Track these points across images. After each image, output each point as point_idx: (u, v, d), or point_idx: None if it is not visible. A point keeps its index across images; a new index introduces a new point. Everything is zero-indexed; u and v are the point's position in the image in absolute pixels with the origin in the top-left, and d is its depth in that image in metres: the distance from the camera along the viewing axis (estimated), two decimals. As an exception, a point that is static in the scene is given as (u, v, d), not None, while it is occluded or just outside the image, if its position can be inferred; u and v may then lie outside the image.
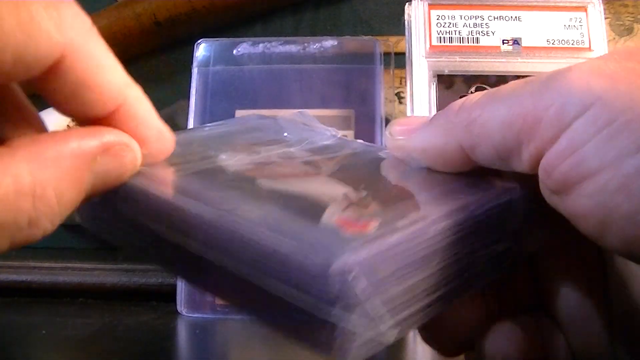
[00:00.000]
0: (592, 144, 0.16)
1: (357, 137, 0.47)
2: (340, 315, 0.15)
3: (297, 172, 0.23)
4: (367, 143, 0.27)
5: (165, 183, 0.21)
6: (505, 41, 0.43)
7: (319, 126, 0.28)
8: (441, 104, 0.42)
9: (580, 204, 0.17)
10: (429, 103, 0.42)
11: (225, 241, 0.17)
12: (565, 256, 0.19)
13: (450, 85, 0.43)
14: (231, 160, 0.23)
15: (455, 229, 0.19)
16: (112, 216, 0.22)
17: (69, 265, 0.48)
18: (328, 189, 0.21)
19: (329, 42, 0.46)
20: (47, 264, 0.48)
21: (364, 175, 0.23)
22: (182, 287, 0.45)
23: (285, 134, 0.27)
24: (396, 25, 0.46)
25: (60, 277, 0.47)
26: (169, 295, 0.45)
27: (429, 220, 0.18)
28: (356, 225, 0.17)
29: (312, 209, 0.18)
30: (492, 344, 0.22)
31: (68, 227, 0.56)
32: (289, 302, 0.16)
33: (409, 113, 0.43)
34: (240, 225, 0.17)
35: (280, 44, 0.47)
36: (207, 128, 0.29)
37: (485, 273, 0.21)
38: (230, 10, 0.58)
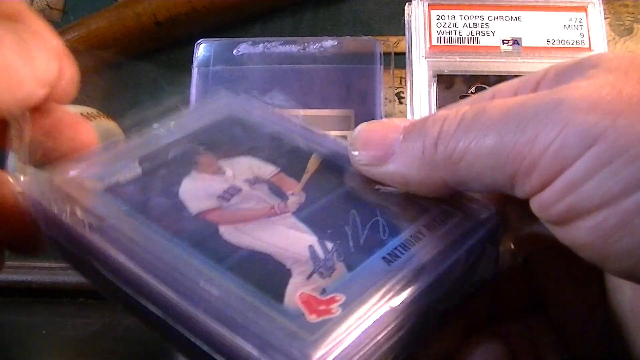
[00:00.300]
0: (593, 182, 0.16)
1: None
2: None
3: (262, 208, 0.21)
4: (336, 141, 0.25)
5: (115, 230, 0.20)
6: (505, 41, 0.43)
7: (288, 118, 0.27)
8: (441, 104, 0.42)
9: (579, 237, 0.17)
10: (429, 103, 0.42)
11: (185, 319, 0.18)
12: (563, 256, 0.19)
13: (450, 85, 0.43)
14: (192, 187, 0.22)
15: (431, 288, 0.18)
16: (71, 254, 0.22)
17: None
18: (293, 241, 0.20)
19: (329, 42, 0.46)
20: (47, 264, 0.48)
21: (331, 206, 0.22)
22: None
23: (256, 130, 0.26)
24: (396, 25, 0.46)
25: (60, 277, 0.47)
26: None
27: (398, 304, 0.18)
28: (320, 304, 0.17)
29: (275, 279, 0.18)
30: None
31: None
32: None
33: (408, 113, 0.43)
34: (201, 314, 0.17)
35: (280, 44, 0.47)
36: (171, 124, 0.26)
37: (451, 306, 0.21)
38: (230, 10, 0.58)
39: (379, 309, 0.17)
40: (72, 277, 0.47)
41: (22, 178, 0.21)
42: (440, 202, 0.21)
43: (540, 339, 0.23)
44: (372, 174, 0.21)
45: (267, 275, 0.18)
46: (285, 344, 0.16)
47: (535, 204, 0.18)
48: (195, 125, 0.25)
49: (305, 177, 0.23)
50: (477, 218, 0.21)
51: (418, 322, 0.19)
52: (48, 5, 0.62)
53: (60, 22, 0.62)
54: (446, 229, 0.20)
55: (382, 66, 0.46)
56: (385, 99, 0.46)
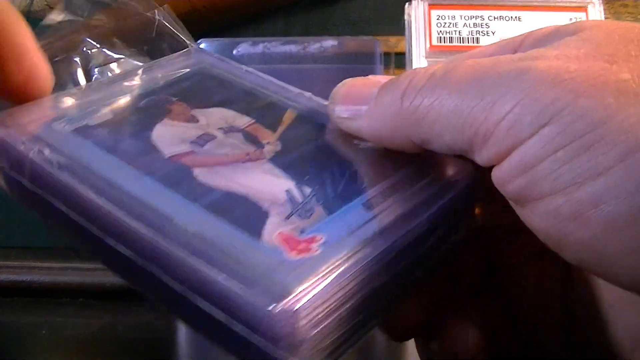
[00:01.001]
0: (546, 165, 0.15)
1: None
2: (284, 354, 0.15)
3: (237, 154, 0.21)
4: (313, 99, 0.25)
5: (79, 156, 0.20)
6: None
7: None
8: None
9: (535, 220, 0.16)
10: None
11: (158, 257, 0.17)
12: (523, 235, 0.18)
13: (450, 85, 0.43)
14: (165, 132, 0.22)
15: (408, 239, 0.18)
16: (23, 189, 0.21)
17: (69, 265, 0.48)
18: (270, 184, 0.20)
19: (329, 42, 0.46)
20: (47, 264, 0.47)
21: (309, 156, 0.21)
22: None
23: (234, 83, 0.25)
24: (396, 25, 0.46)
25: (60, 277, 0.47)
26: (169, 295, 0.45)
27: (378, 245, 0.17)
28: (299, 243, 0.17)
29: (252, 218, 0.18)
30: (447, 344, 0.22)
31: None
32: (226, 326, 0.16)
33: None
34: (176, 249, 0.17)
35: (281, 44, 0.47)
36: (148, 69, 0.26)
37: (427, 270, 0.20)
38: (230, 10, 0.58)
39: (359, 252, 0.17)
40: (72, 277, 0.47)
41: None
42: (418, 159, 0.20)
43: (494, 319, 0.22)
44: (348, 128, 0.21)
45: (243, 214, 0.18)
46: (264, 278, 0.15)
47: (494, 177, 0.17)
48: (166, 77, 0.25)
49: (281, 128, 0.23)
50: (453, 177, 0.20)
51: (394, 276, 0.18)
52: (48, 5, 0.62)
53: (60, 22, 0.62)
54: (422, 184, 0.20)
55: (382, 66, 0.46)
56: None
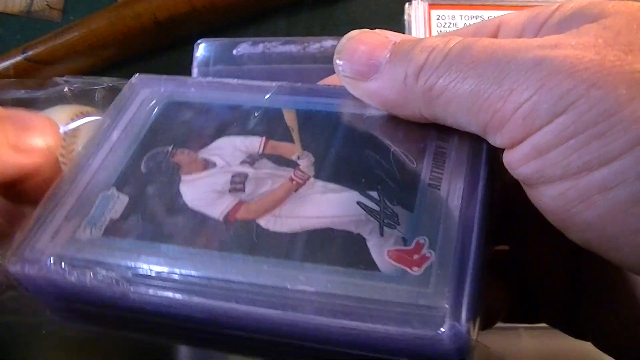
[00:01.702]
0: (558, 152, 0.15)
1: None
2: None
3: (284, 183, 0.20)
4: (290, 86, 0.24)
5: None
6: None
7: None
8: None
9: (543, 202, 0.17)
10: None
11: (293, 332, 0.16)
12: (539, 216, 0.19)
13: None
14: (195, 192, 0.19)
15: (485, 198, 0.18)
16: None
17: (69, 265, 0.48)
18: (339, 204, 0.18)
19: (329, 42, 0.46)
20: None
21: (345, 156, 0.20)
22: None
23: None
24: (396, 25, 0.46)
25: (60, 277, 0.47)
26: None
27: (471, 218, 0.17)
28: (412, 255, 0.16)
29: (354, 250, 0.17)
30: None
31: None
32: None
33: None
34: (310, 321, 0.15)
35: (281, 44, 0.47)
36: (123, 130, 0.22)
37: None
38: (230, 10, 0.58)
39: (461, 235, 0.17)
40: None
41: (8, 260, 0.19)
42: (437, 126, 0.20)
43: (510, 284, 0.23)
44: (353, 88, 0.21)
45: (343, 249, 0.17)
46: (412, 308, 0.15)
47: (505, 159, 0.17)
48: (139, 124, 0.22)
49: (296, 135, 0.21)
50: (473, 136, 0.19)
51: (485, 237, 0.18)
52: (48, 5, 0.62)
53: (60, 22, 0.62)
54: (455, 147, 0.19)
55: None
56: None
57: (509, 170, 0.17)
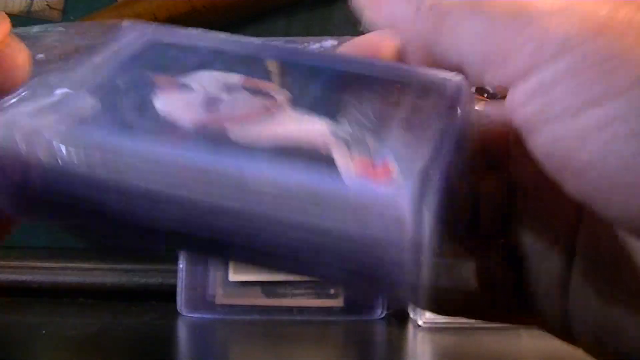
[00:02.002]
0: (560, 89, 0.16)
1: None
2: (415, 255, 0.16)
3: (258, 107, 0.20)
4: (279, 45, 0.24)
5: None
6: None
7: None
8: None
9: (543, 145, 0.17)
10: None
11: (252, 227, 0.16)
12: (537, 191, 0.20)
13: (451, 85, 0.43)
14: (168, 105, 0.20)
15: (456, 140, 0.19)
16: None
17: (69, 265, 0.48)
18: (311, 127, 0.19)
19: (329, 42, 0.46)
20: (47, 264, 0.48)
21: (323, 96, 0.21)
22: (182, 287, 0.45)
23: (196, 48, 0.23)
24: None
25: (60, 277, 0.47)
26: (169, 295, 0.45)
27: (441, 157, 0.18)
28: (377, 169, 0.17)
29: (319, 163, 0.17)
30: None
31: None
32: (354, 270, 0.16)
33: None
34: (266, 215, 0.16)
35: (280, 44, 0.47)
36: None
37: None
38: (231, 10, 0.58)
39: (431, 161, 0.17)
40: (72, 277, 0.47)
41: None
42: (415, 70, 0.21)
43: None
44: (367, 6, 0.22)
45: (309, 161, 0.17)
46: (371, 207, 0.16)
47: (508, 100, 0.18)
48: (119, 56, 0.22)
49: (276, 78, 0.22)
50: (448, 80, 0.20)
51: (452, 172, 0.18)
52: (48, 5, 0.62)
53: (60, 22, 0.62)
54: (431, 105, 0.20)
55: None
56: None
57: (511, 114, 0.18)
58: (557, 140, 0.16)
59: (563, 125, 0.16)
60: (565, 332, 0.22)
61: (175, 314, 0.44)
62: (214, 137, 0.18)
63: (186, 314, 0.44)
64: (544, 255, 0.21)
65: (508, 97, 0.18)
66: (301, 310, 0.45)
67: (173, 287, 0.45)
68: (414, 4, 0.20)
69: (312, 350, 0.41)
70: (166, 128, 0.19)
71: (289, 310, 0.45)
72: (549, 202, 0.21)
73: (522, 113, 0.17)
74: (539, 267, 0.22)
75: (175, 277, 0.45)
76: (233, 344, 0.44)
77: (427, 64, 0.20)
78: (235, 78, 0.21)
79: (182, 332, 0.44)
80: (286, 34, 0.58)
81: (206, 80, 0.21)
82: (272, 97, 0.21)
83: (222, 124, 0.19)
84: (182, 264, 0.45)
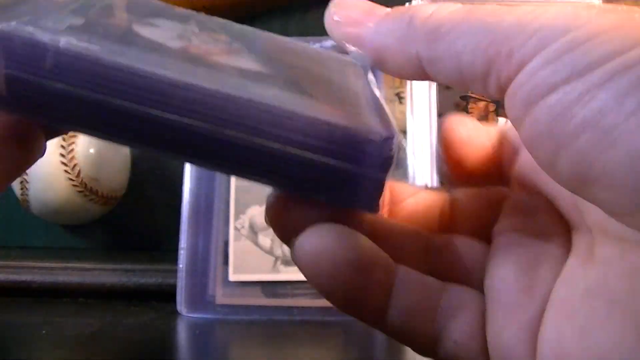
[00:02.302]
0: (565, 59, 0.16)
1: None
2: (384, 173, 0.18)
3: (222, 48, 0.21)
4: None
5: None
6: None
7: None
8: (441, 104, 0.42)
9: (541, 115, 0.16)
10: (429, 103, 0.42)
11: (246, 118, 0.17)
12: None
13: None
14: (148, 32, 0.20)
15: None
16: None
17: (69, 265, 0.48)
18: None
19: (329, 42, 0.46)
20: (47, 264, 0.48)
21: (264, 54, 0.22)
22: (182, 287, 0.45)
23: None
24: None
25: (60, 277, 0.47)
26: (169, 295, 0.45)
27: None
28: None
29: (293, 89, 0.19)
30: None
31: (68, 227, 0.56)
32: (320, 169, 0.18)
33: (408, 113, 0.43)
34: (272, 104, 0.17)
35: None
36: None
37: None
38: (231, 11, 0.58)
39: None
40: (72, 277, 0.47)
41: None
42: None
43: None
44: (339, 31, 0.21)
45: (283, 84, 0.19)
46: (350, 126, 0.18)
47: (507, 95, 0.17)
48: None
49: (229, 28, 0.24)
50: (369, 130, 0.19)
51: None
52: (48, 5, 0.62)
53: None
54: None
55: (382, 66, 0.46)
56: (386, 98, 0.46)
57: (509, 107, 0.18)
58: (557, 105, 0.16)
59: (566, 88, 0.16)
60: None
61: (175, 314, 0.44)
62: (195, 60, 0.19)
63: (186, 314, 0.44)
64: (518, 297, 0.20)
65: (509, 89, 0.17)
66: (301, 310, 0.45)
67: (173, 287, 0.45)
68: (404, 20, 0.19)
69: (312, 350, 0.41)
70: (152, 48, 0.19)
71: (289, 310, 0.45)
72: (530, 246, 0.20)
73: (523, 92, 0.17)
74: (509, 310, 0.20)
75: (175, 277, 0.45)
76: (233, 344, 0.44)
77: (415, 79, 0.20)
78: (195, 28, 0.22)
79: (182, 332, 0.44)
80: (285, 34, 0.58)
81: (172, 25, 0.22)
82: (229, 44, 0.21)
83: (199, 52, 0.19)
84: (182, 264, 0.45)
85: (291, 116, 0.17)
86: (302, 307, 0.45)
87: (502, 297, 0.20)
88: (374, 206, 0.18)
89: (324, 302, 0.45)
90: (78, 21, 0.19)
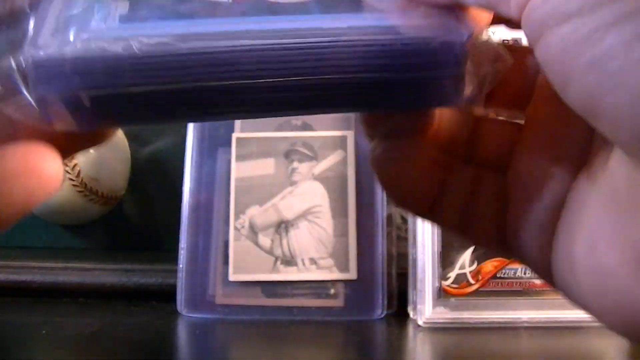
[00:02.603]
0: None
1: (357, 137, 0.47)
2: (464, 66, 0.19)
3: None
4: None
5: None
6: (505, 41, 0.43)
7: None
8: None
9: (551, 47, 0.17)
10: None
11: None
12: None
13: (450, 85, 0.43)
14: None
15: None
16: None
17: (69, 265, 0.48)
18: None
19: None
20: (47, 264, 0.48)
21: None
22: (182, 287, 0.45)
23: None
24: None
25: (60, 277, 0.47)
26: (169, 295, 0.45)
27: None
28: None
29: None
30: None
31: (68, 227, 0.56)
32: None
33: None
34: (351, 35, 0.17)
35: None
36: None
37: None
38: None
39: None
40: (72, 277, 0.47)
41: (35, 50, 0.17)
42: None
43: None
44: None
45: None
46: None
47: (524, 15, 0.18)
48: None
49: None
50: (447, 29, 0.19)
51: None
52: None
53: None
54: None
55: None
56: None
57: (525, 25, 0.18)
58: (567, 40, 0.16)
59: (575, 24, 0.16)
60: (543, 270, 0.22)
61: (175, 314, 0.44)
62: (259, 4, 0.19)
63: (186, 314, 0.44)
64: (538, 188, 0.21)
65: (525, 12, 0.18)
66: (301, 310, 0.45)
67: (173, 287, 0.45)
68: None
69: (312, 350, 0.41)
70: (212, 7, 0.18)
71: (289, 310, 0.45)
72: (555, 134, 0.21)
73: (541, 12, 0.17)
74: (529, 203, 0.22)
75: (175, 277, 0.45)
76: (233, 344, 0.44)
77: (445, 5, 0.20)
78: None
79: (182, 332, 0.44)
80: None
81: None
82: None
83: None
84: (182, 264, 0.45)
85: (370, 43, 0.18)
86: (302, 307, 0.45)
87: (523, 191, 0.21)
88: (458, 99, 0.19)
89: (324, 302, 0.46)
90: (122, 5, 0.18)
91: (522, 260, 0.22)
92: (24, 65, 0.16)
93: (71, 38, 0.17)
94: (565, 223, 0.20)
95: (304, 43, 0.17)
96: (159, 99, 0.17)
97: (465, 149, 0.23)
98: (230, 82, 0.17)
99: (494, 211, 0.22)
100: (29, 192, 0.19)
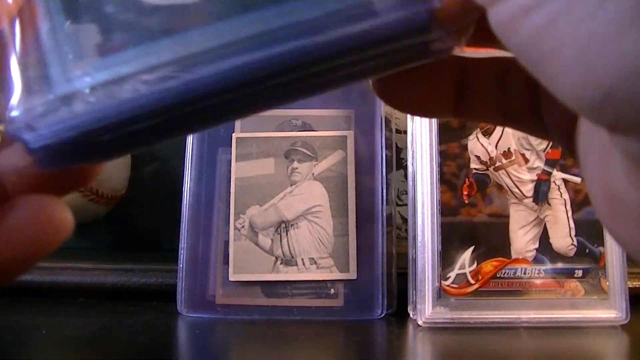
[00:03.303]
0: None
1: (357, 137, 0.47)
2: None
3: None
4: None
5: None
6: None
7: None
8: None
9: (523, 37, 0.16)
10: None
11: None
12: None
13: (450, 85, 0.43)
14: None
15: None
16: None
17: (69, 265, 0.48)
18: None
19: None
20: (47, 264, 0.48)
21: None
22: (182, 287, 0.45)
23: None
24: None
25: (60, 277, 0.47)
26: (169, 295, 0.45)
27: None
28: None
29: None
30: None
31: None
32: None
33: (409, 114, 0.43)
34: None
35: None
36: None
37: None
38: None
39: None
40: (72, 277, 0.47)
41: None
42: None
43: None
44: None
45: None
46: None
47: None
48: None
49: None
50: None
51: None
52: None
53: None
54: None
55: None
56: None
57: (498, 23, 0.17)
58: (543, 26, 0.15)
59: (547, 8, 0.15)
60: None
61: (175, 313, 0.44)
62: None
63: (186, 314, 0.44)
64: None
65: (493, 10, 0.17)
66: (301, 310, 0.45)
67: (173, 287, 0.45)
68: None
69: (312, 350, 0.41)
70: (180, 13, 0.18)
71: (289, 310, 0.45)
72: None
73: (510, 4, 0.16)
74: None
75: (175, 277, 0.45)
76: (233, 344, 0.44)
77: None
78: None
79: (182, 332, 0.44)
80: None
81: None
82: None
83: None
84: (182, 264, 0.45)
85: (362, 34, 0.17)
86: (302, 307, 0.45)
87: None
88: (449, 50, 0.19)
89: (323, 302, 0.46)
90: (90, 31, 0.18)
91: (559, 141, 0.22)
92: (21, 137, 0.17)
93: (61, 95, 0.17)
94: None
95: (301, 44, 0.17)
96: (165, 125, 0.18)
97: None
98: (236, 94, 0.18)
99: (530, 87, 0.22)
100: (40, 241, 0.19)
